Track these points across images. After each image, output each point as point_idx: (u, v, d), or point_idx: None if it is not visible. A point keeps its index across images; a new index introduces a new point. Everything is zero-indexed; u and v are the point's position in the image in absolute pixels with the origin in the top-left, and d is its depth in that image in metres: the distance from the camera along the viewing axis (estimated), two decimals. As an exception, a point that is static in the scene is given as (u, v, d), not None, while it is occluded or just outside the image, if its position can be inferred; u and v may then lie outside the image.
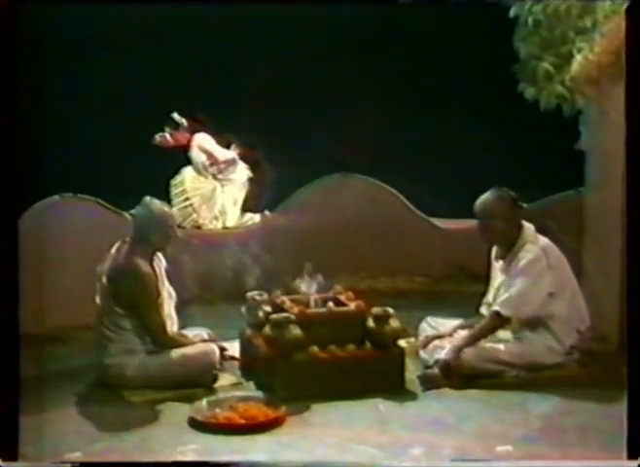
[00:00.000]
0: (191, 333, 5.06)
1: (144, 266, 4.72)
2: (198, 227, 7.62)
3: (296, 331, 4.63)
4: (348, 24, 7.52)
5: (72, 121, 7.41)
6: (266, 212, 7.60)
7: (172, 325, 4.91)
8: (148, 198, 4.87)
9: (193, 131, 7.82)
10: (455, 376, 4.74)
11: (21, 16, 3.62)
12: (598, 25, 5.48)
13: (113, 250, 4.82)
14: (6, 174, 3.58)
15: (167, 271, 4.96)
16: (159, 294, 4.79)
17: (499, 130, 8.00)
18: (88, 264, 5.01)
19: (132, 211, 4.84)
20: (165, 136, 7.79)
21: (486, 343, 4.84)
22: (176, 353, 4.72)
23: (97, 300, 4.80)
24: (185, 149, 7.84)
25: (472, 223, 5.21)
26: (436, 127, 8.25)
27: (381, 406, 4.51)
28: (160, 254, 4.93)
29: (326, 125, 8.14)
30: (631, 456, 3.53)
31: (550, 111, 6.17)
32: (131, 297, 4.68)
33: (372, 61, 8.21)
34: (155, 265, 4.84)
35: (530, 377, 4.77)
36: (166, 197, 7.24)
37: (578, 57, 5.55)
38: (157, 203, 4.86)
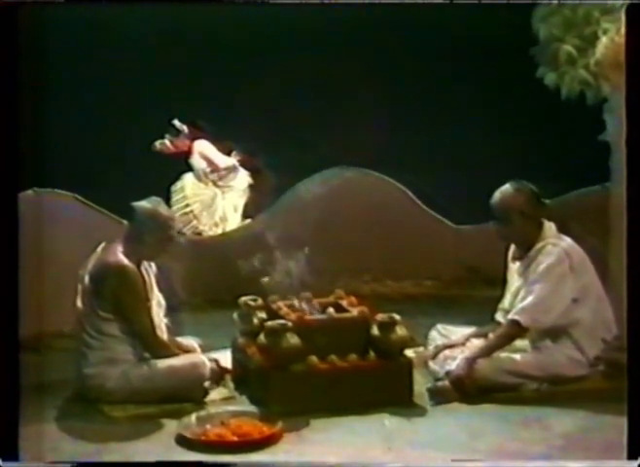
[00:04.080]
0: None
1: (131, 265, 4.71)
2: (199, 233, 8.03)
3: (293, 339, 4.63)
4: (349, 23, 7.68)
5: (71, 125, 7.75)
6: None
7: (162, 335, 4.90)
8: (156, 198, 4.89)
9: (193, 138, 8.32)
10: (468, 389, 4.74)
11: (21, 16, 3.84)
12: (626, 5, 5.47)
13: (98, 250, 4.83)
14: (6, 176, 3.77)
15: (156, 277, 4.97)
16: (147, 299, 4.80)
17: (516, 120, 8.02)
18: (66, 264, 5.01)
19: (134, 203, 4.83)
20: (166, 143, 8.31)
21: (502, 353, 4.85)
22: (162, 364, 4.71)
23: (78, 303, 4.79)
24: (185, 156, 8.33)
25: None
26: (447, 118, 8.27)
27: (387, 421, 4.52)
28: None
29: (328, 125, 8.40)
30: (631, 456, 3.65)
31: (572, 98, 6.16)
32: (117, 298, 4.68)
33: (377, 53, 8.33)
34: (142, 269, 4.84)
35: (551, 391, 4.78)
36: (167, 204, 7.52)
37: (603, 39, 5.54)
38: (165, 206, 4.93)
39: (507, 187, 4.97)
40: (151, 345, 4.75)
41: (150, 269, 4.93)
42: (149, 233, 4.77)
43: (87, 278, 4.76)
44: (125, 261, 4.70)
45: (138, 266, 4.79)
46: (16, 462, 3.77)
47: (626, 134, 3.79)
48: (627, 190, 3.80)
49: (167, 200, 7.89)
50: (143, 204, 4.82)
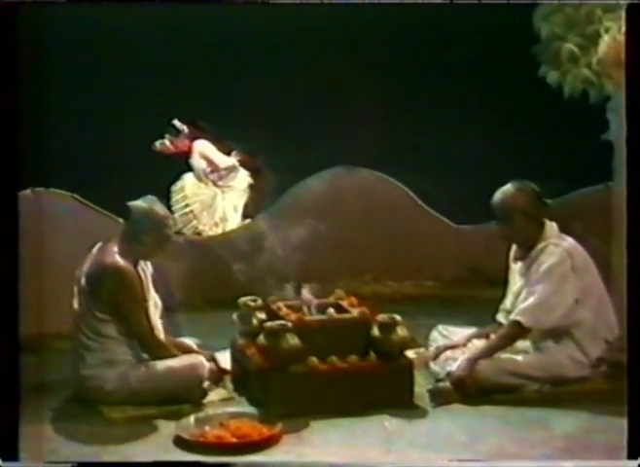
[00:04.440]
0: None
1: (128, 266, 4.71)
2: (199, 233, 8.14)
3: (293, 340, 4.63)
4: (349, 23, 7.74)
5: (71, 125, 7.81)
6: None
7: (159, 335, 4.88)
8: (151, 196, 4.88)
9: (193, 138, 8.42)
10: (469, 390, 4.74)
11: (21, 16, 3.92)
12: (626, 4, 5.47)
13: (94, 250, 4.82)
14: (6, 175, 3.85)
15: (153, 277, 4.96)
16: (145, 299, 4.80)
17: (518, 119, 8.01)
18: (63, 264, 5.01)
19: (130, 203, 4.83)
20: (166, 143, 8.40)
21: (503, 354, 4.85)
22: (161, 366, 4.71)
23: (75, 304, 4.78)
24: (185, 156, 8.42)
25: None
26: (449, 117, 8.26)
27: (387, 423, 4.52)
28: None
29: (329, 125, 8.44)
30: (631, 456, 3.70)
31: (575, 97, 6.16)
32: (115, 299, 4.68)
33: (378, 52, 8.36)
34: (139, 270, 4.84)
35: (553, 392, 4.78)
36: (167, 203, 7.77)
37: (605, 38, 5.54)
38: (160, 205, 4.90)
39: (508, 186, 4.97)
40: (149, 346, 4.75)
41: (146, 269, 4.93)
42: (145, 232, 4.77)
43: (83, 279, 4.75)
44: (122, 261, 4.69)
45: (135, 265, 4.79)
46: (16, 462, 3.80)
47: (626, 134, 3.80)
48: (627, 189, 3.81)
49: (167, 200, 8.00)
50: (139, 204, 4.82)
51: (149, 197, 4.86)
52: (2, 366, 3.80)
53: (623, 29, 5.22)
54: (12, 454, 3.79)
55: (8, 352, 3.82)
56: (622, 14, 5.31)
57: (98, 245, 4.83)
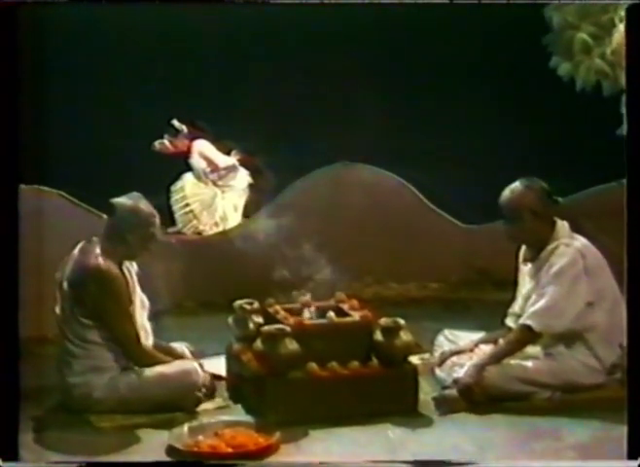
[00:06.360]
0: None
1: (113, 268, 4.69)
2: (199, 233, 8.38)
3: (291, 345, 4.63)
4: (349, 23, 7.83)
5: (71, 125, 8.01)
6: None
7: (147, 338, 4.88)
8: (137, 193, 4.85)
9: (192, 138, 8.70)
10: (477, 398, 4.74)
11: (21, 16, 4.04)
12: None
13: (75, 251, 4.79)
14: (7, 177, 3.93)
15: (139, 276, 4.94)
16: (130, 301, 4.78)
17: (528, 113, 8.01)
18: (47, 266, 4.99)
19: (114, 200, 4.80)
20: (165, 143, 8.70)
21: (512, 360, 4.85)
22: (152, 372, 4.70)
23: (57, 309, 4.77)
24: (185, 155, 8.71)
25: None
26: (455, 110, 8.26)
27: (391, 432, 4.51)
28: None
29: (331, 122, 8.54)
30: (631, 456, 3.75)
31: (587, 90, 6.16)
32: (98, 304, 4.65)
33: (380, 46, 8.44)
34: (124, 269, 4.82)
35: (565, 400, 4.77)
36: (166, 203, 8.34)
37: (620, 27, 5.54)
38: (145, 202, 4.85)
39: (516, 184, 4.96)
40: (133, 354, 4.72)
41: (131, 268, 4.90)
42: (130, 230, 4.73)
43: (65, 284, 4.73)
44: (106, 263, 4.66)
45: (119, 266, 4.76)
46: (16, 462, 3.86)
47: (627, 133, 3.80)
48: (627, 188, 3.82)
49: (167, 200, 8.39)
50: (123, 200, 4.78)
51: (134, 193, 4.83)
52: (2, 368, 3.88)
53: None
54: (12, 454, 3.86)
55: (7, 354, 3.90)
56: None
57: (80, 245, 4.79)
